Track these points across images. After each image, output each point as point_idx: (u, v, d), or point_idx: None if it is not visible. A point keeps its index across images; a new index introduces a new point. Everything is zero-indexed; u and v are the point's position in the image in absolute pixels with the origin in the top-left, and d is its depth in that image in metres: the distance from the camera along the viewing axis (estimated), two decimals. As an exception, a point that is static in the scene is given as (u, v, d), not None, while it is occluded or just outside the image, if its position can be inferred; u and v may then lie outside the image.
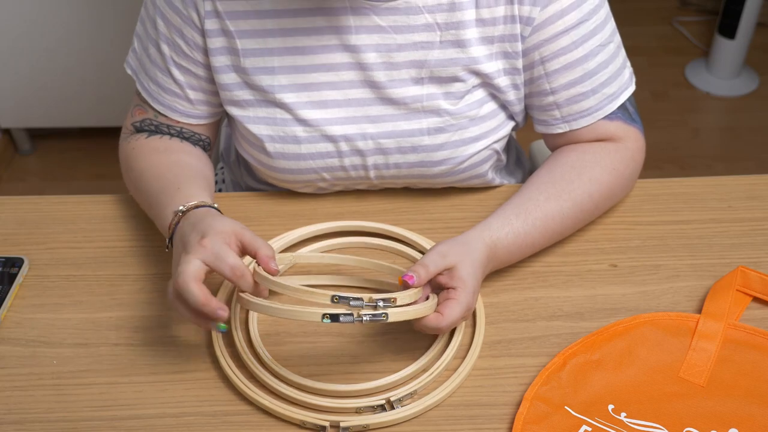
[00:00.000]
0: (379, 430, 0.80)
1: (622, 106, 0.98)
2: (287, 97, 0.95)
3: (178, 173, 0.94)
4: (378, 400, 0.81)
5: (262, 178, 1.06)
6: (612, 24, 0.96)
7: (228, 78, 0.96)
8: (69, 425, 0.81)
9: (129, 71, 1.02)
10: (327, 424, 0.79)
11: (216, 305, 0.76)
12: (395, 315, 0.76)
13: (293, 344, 0.88)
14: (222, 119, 1.08)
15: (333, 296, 0.74)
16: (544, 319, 0.90)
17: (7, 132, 2.42)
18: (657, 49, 2.80)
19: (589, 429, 0.77)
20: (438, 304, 0.81)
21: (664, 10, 2.97)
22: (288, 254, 0.92)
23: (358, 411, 0.80)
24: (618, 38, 0.97)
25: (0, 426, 0.81)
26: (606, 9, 0.95)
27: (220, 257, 0.77)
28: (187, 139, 1.02)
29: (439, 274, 0.83)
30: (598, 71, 0.95)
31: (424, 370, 0.84)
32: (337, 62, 0.94)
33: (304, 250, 0.97)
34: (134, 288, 0.95)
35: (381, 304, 0.75)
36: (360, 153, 0.98)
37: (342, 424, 0.79)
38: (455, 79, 0.95)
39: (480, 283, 0.85)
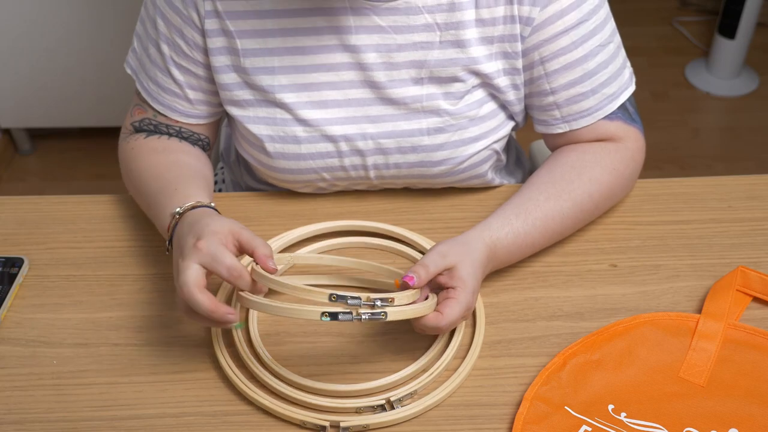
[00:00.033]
0: (379, 430, 0.80)
1: (622, 106, 0.98)
2: (287, 97, 0.95)
3: (176, 173, 0.94)
4: (378, 400, 0.81)
5: (262, 178, 1.06)
6: (612, 24, 0.96)
7: (228, 78, 0.96)
8: (69, 425, 0.81)
9: (129, 71, 1.03)
10: (327, 424, 0.79)
11: (224, 311, 0.76)
12: (394, 314, 0.76)
13: (293, 344, 0.88)
14: (221, 119, 1.08)
15: (331, 294, 0.75)
16: (544, 319, 0.90)
17: (7, 132, 2.42)
18: (657, 49, 2.80)
19: (589, 429, 0.77)
20: (438, 304, 0.81)
21: (664, 10, 2.98)
22: (286, 255, 0.92)
23: (358, 411, 0.80)
24: (618, 38, 0.97)
25: (0, 426, 0.81)
26: (606, 9, 0.95)
27: (217, 259, 0.77)
28: (186, 138, 1.02)
29: (439, 274, 0.83)
30: (598, 71, 0.95)
31: (424, 370, 0.84)
32: (337, 62, 0.94)
33: (304, 251, 0.97)
34: (134, 288, 0.95)
35: (379, 303, 0.75)
36: (360, 153, 0.98)
37: (342, 424, 0.79)
38: (455, 80, 0.95)
39: (480, 283, 0.85)
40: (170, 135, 1.01)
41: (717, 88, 2.61)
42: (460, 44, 0.93)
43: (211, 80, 0.98)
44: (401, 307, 0.77)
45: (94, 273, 0.97)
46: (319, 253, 0.98)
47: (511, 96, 0.97)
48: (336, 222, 1.00)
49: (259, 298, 0.77)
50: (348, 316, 0.73)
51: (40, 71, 2.20)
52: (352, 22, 0.92)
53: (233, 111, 0.98)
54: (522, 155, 1.22)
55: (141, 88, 1.01)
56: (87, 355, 0.87)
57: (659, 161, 2.33)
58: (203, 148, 1.04)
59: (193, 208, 0.87)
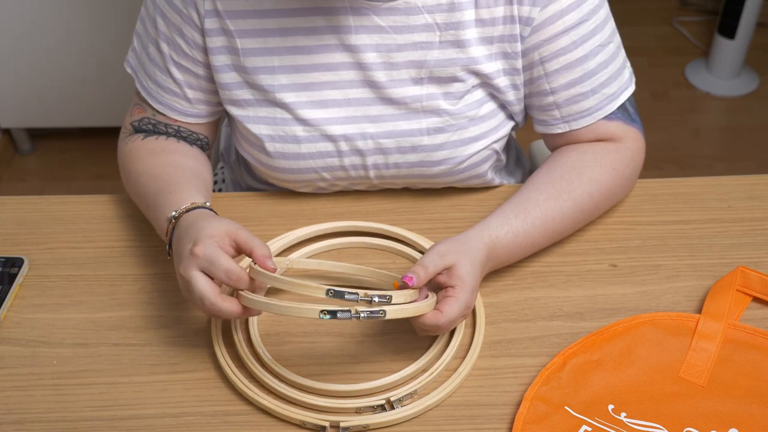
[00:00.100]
0: (379, 430, 0.80)
1: (622, 106, 0.98)
2: (287, 97, 0.95)
3: (172, 175, 0.94)
4: (378, 400, 0.81)
5: (262, 177, 1.06)
6: (612, 24, 0.96)
7: (228, 77, 0.96)
8: (69, 425, 0.81)
9: (129, 70, 1.03)
10: (327, 424, 0.79)
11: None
12: (393, 312, 0.76)
13: (293, 344, 0.88)
14: (221, 119, 1.08)
15: (328, 290, 0.75)
16: (544, 319, 0.90)
17: (7, 132, 2.42)
18: (657, 49, 2.80)
19: (589, 429, 0.77)
20: (437, 303, 0.81)
21: (664, 10, 2.97)
22: (283, 259, 0.92)
23: (358, 411, 0.80)
24: (618, 38, 0.97)
25: (0, 426, 0.81)
26: (606, 9, 0.95)
27: (214, 263, 0.77)
28: (184, 138, 1.02)
29: (439, 273, 0.83)
30: (597, 71, 0.95)
31: (424, 370, 0.84)
32: (336, 62, 0.94)
33: (303, 251, 0.97)
34: (134, 288, 0.95)
35: (376, 299, 0.75)
36: (360, 153, 0.98)
37: (342, 424, 0.79)
38: (455, 79, 0.95)
39: (479, 282, 0.85)
40: (168, 135, 1.01)
41: (717, 88, 2.61)
42: (459, 44, 0.93)
43: (211, 79, 0.98)
44: (400, 306, 0.77)
45: (94, 273, 0.97)
46: (319, 254, 0.98)
47: (510, 96, 0.97)
48: (336, 223, 1.00)
49: (257, 297, 0.77)
50: (346, 315, 0.73)
51: (40, 71, 2.20)
52: (351, 22, 0.92)
53: (233, 111, 0.98)
54: (522, 155, 1.22)
55: (140, 87, 1.01)
56: (87, 355, 0.87)
57: (659, 161, 2.33)
58: (202, 148, 1.04)
59: (189, 210, 0.87)
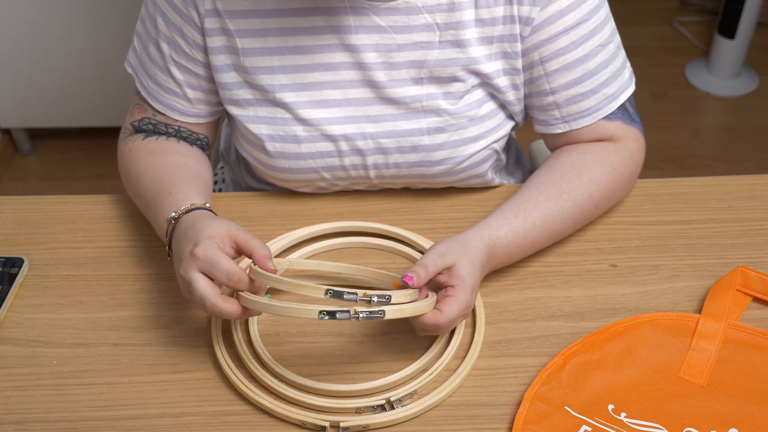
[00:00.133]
0: (379, 430, 0.80)
1: (622, 107, 0.98)
2: (287, 97, 0.95)
3: (172, 175, 0.94)
4: (378, 400, 0.81)
5: (262, 177, 1.06)
6: (612, 24, 0.96)
7: (228, 77, 0.96)
8: (69, 425, 0.81)
9: (129, 70, 1.03)
10: (327, 424, 0.79)
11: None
12: (392, 312, 0.76)
13: (293, 344, 0.88)
14: (221, 119, 1.08)
15: (327, 290, 0.75)
16: (544, 319, 0.90)
17: (7, 132, 2.42)
18: (657, 49, 2.80)
19: (589, 429, 0.77)
20: (437, 302, 0.81)
21: (664, 10, 2.97)
22: (283, 259, 0.92)
23: (358, 411, 0.80)
24: (618, 38, 0.97)
25: (0, 426, 0.81)
26: (606, 9, 0.95)
27: (215, 265, 0.77)
28: (184, 138, 1.02)
29: (439, 273, 0.83)
30: (597, 71, 0.95)
31: (424, 370, 0.84)
32: (337, 62, 0.94)
33: (303, 251, 0.97)
34: (134, 288, 0.95)
35: (375, 299, 0.75)
36: (360, 152, 0.98)
37: (342, 424, 0.79)
38: (454, 79, 0.95)
39: (479, 281, 0.85)
40: (169, 135, 1.01)
41: (717, 88, 2.61)
42: (459, 44, 0.93)
43: (211, 79, 0.98)
44: (400, 306, 0.77)
45: (94, 273, 0.97)
46: (319, 254, 0.98)
47: (510, 96, 0.97)
48: (336, 223, 1.00)
49: (258, 298, 0.77)
50: (345, 315, 0.73)
51: (40, 71, 2.20)
52: (351, 22, 0.92)
53: (233, 110, 0.98)
54: (522, 155, 1.22)
55: (141, 87, 1.01)
56: (87, 355, 0.87)
57: (659, 161, 2.33)
58: (202, 148, 1.04)
59: (188, 211, 0.87)
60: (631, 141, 0.98)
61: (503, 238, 0.89)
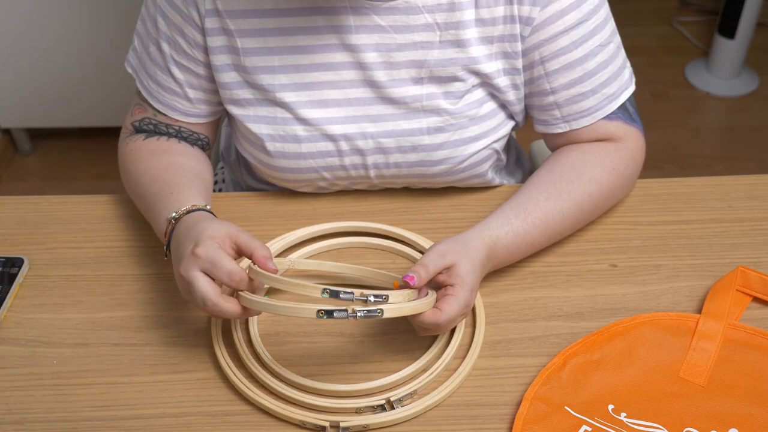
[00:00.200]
0: (379, 430, 0.80)
1: (622, 106, 0.98)
2: (287, 96, 0.95)
3: (173, 176, 0.94)
4: (378, 400, 0.81)
5: (263, 177, 1.06)
6: (612, 24, 0.96)
7: (228, 77, 0.96)
8: (69, 425, 0.81)
9: (129, 70, 1.03)
10: (327, 424, 0.79)
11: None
12: (391, 311, 0.76)
13: (293, 344, 0.88)
14: (221, 118, 1.08)
15: (324, 289, 0.75)
16: (544, 319, 0.90)
17: (7, 132, 2.42)
18: (657, 49, 2.80)
19: (589, 429, 0.77)
20: (436, 302, 0.81)
21: (664, 10, 2.98)
22: (284, 259, 0.92)
23: (358, 411, 0.80)
24: (618, 38, 0.97)
25: (0, 426, 0.81)
26: (606, 9, 0.95)
27: (216, 264, 0.77)
28: (185, 138, 1.02)
29: (438, 273, 0.83)
30: (597, 71, 0.95)
31: (424, 370, 0.84)
32: (337, 61, 0.94)
33: (304, 251, 0.97)
34: (134, 288, 0.95)
35: (372, 299, 0.75)
36: (360, 152, 0.98)
37: (342, 424, 0.79)
38: (455, 79, 0.95)
39: (479, 281, 0.85)
40: (170, 135, 1.01)
41: (717, 88, 2.61)
42: (459, 44, 0.93)
43: (211, 79, 0.98)
44: (398, 304, 0.77)
45: (94, 273, 0.97)
46: (319, 254, 0.98)
47: (511, 96, 0.97)
48: (336, 223, 1.00)
49: (257, 297, 0.77)
50: (343, 314, 0.73)
51: (40, 71, 2.20)
52: (352, 22, 0.92)
53: (233, 110, 0.98)
54: (522, 155, 1.22)
55: (141, 87, 1.01)
56: (87, 355, 0.87)
57: (659, 161, 2.33)
58: (203, 148, 1.04)
59: (189, 212, 0.87)
60: (632, 141, 0.98)
61: (503, 238, 0.89)
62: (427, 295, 0.82)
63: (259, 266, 0.79)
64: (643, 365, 0.83)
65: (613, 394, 0.80)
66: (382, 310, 0.75)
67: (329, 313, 0.73)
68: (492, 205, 0.98)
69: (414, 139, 0.97)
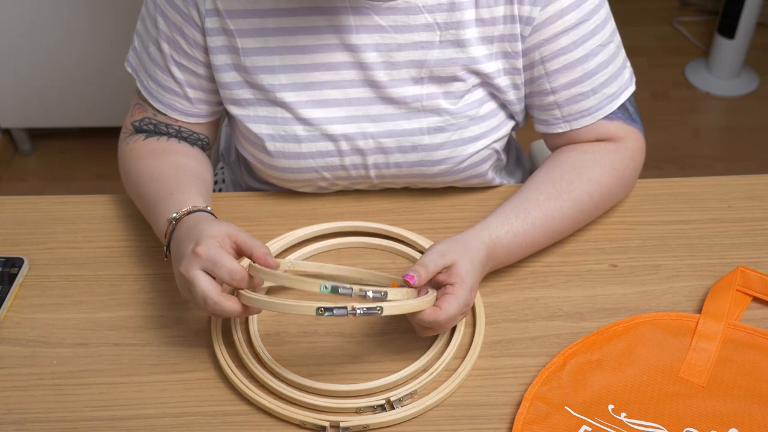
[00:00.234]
0: (379, 430, 0.80)
1: (622, 106, 0.98)
2: (288, 96, 0.95)
3: (173, 177, 0.94)
4: (378, 400, 0.81)
5: (263, 177, 1.06)
6: (612, 24, 0.96)
7: (228, 77, 0.96)
8: (69, 425, 0.81)
9: (129, 69, 1.03)
10: (327, 424, 0.79)
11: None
12: (390, 309, 0.76)
13: (293, 344, 0.88)
14: (221, 118, 1.08)
15: (322, 284, 0.75)
16: (544, 319, 0.90)
17: (7, 132, 2.42)
18: (657, 49, 2.80)
19: (589, 429, 0.77)
20: (435, 300, 0.81)
21: (664, 10, 2.97)
22: (284, 261, 0.92)
23: (358, 411, 0.80)
24: (618, 38, 0.97)
25: (0, 426, 0.81)
26: (606, 9, 0.95)
27: (217, 263, 0.77)
28: (185, 138, 1.02)
29: (438, 273, 0.83)
30: (598, 71, 0.95)
31: (424, 370, 0.84)
32: (337, 61, 0.94)
33: (304, 251, 0.97)
34: (134, 288, 0.95)
35: (370, 294, 0.75)
36: (360, 152, 0.98)
37: (342, 424, 0.79)
38: (455, 79, 0.95)
39: (478, 280, 0.85)
40: (170, 135, 1.01)
41: (717, 88, 2.61)
42: (460, 44, 0.93)
43: (212, 79, 0.98)
44: (398, 302, 0.77)
45: (94, 273, 0.97)
46: (319, 254, 0.98)
47: (511, 96, 0.97)
48: (336, 223, 1.00)
49: (257, 295, 0.77)
50: (343, 311, 0.73)
51: (40, 71, 2.20)
52: (352, 22, 0.92)
53: (234, 110, 0.98)
54: (522, 155, 1.22)
55: (141, 87, 1.01)
56: (87, 355, 0.87)
57: (659, 161, 2.33)
58: (202, 148, 1.04)
59: (190, 213, 0.87)
60: (632, 141, 0.98)
61: (503, 237, 0.89)
62: (427, 293, 0.82)
63: (259, 263, 0.79)
64: (643, 365, 0.83)
65: (613, 394, 0.80)
66: (381, 307, 0.75)
67: (329, 311, 0.73)
68: (492, 205, 0.98)
69: (414, 139, 0.97)
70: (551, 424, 0.78)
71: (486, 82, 0.96)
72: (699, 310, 0.89)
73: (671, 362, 0.83)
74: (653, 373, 0.82)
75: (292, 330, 0.89)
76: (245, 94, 0.96)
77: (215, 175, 1.25)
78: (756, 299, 0.90)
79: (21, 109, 2.30)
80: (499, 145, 1.02)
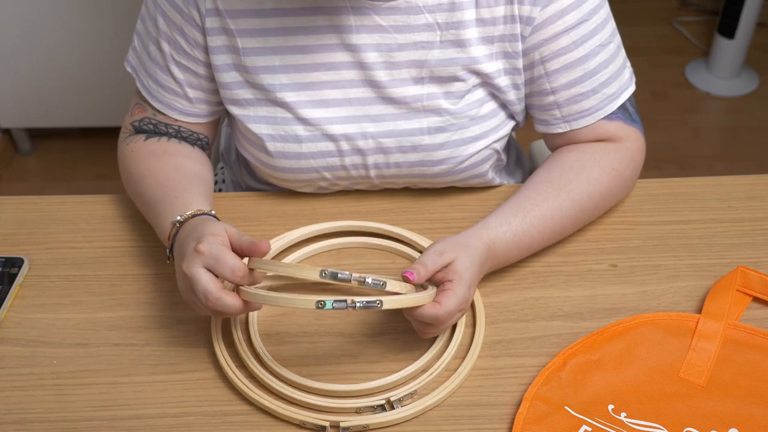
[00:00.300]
0: (379, 430, 0.80)
1: (622, 106, 0.98)
2: (288, 96, 0.95)
3: (176, 180, 0.94)
4: (378, 400, 0.81)
5: (263, 177, 1.06)
6: (612, 24, 0.96)
7: (229, 77, 0.96)
8: (69, 425, 0.81)
9: (129, 69, 1.03)
10: (327, 424, 0.79)
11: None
12: (390, 302, 0.75)
13: (293, 344, 0.88)
14: (221, 118, 1.08)
15: (322, 271, 0.75)
16: (544, 319, 0.90)
17: (7, 132, 2.42)
18: (657, 49, 2.80)
19: (589, 429, 0.77)
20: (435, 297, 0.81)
21: (664, 10, 2.98)
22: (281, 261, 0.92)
23: (358, 411, 0.80)
24: (618, 38, 0.97)
25: (0, 426, 0.81)
26: (606, 9, 0.95)
27: (219, 260, 0.77)
28: (185, 138, 1.02)
29: (437, 271, 0.83)
30: (598, 71, 0.95)
31: (424, 370, 0.84)
32: (337, 61, 0.94)
33: (304, 251, 0.97)
34: (134, 288, 0.95)
35: (369, 281, 0.75)
36: (360, 152, 0.98)
37: (342, 424, 0.79)
38: (455, 79, 0.95)
39: (477, 278, 0.85)
40: (170, 136, 1.01)
41: (717, 88, 2.61)
42: (460, 44, 0.93)
43: (211, 79, 0.98)
44: (398, 297, 0.77)
45: (94, 273, 0.97)
46: (319, 254, 0.98)
47: (511, 95, 0.97)
48: (336, 223, 1.00)
49: (257, 291, 0.77)
50: (342, 304, 0.73)
51: (40, 71, 2.20)
52: (352, 22, 0.92)
53: (234, 110, 0.98)
54: (522, 155, 1.22)
55: (141, 87, 1.01)
56: (87, 355, 0.87)
57: (659, 161, 2.33)
58: (202, 148, 1.04)
59: (194, 216, 0.87)
60: (632, 141, 0.98)
61: (502, 237, 0.89)
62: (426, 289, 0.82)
63: (254, 249, 0.79)
64: (643, 365, 0.83)
65: (613, 394, 0.80)
66: (381, 301, 0.75)
67: (328, 303, 0.73)
68: (492, 205, 0.98)
69: (414, 139, 0.97)
70: (551, 424, 0.78)
71: (486, 82, 0.96)
72: (699, 310, 0.89)
73: (671, 362, 0.83)
74: (653, 373, 0.82)
75: (292, 330, 0.89)
76: (245, 94, 0.96)
77: (215, 175, 1.25)
78: (756, 299, 0.90)
79: (21, 109, 2.30)
80: (499, 145, 1.02)
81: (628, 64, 1.00)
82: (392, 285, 0.77)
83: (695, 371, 0.82)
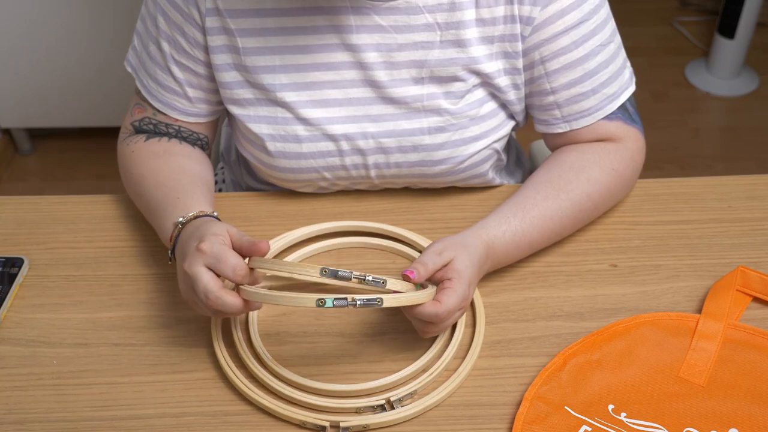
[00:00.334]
0: (379, 430, 0.80)
1: (622, 107, 0.98)
2: (288, 96, 0.95)
3: (177, 181, 0.94)
4: (378, 400, 0.81)
5: (263, 177, 1.06)
6: (612, 24, 0.96)
7: (229, 76, 0.96)
8: (69, 425, 0.81)
9: (129, 69, 1.03)
10: (327, 424, 0.79)
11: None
12: (390, 300, 0.75)
13: (293, 344, 0.88)
14: (221, 118, 1.08)
15: (322, 269, 0.75)
16: (544, 319, 0.90)
17: (7, 132, 2.42)
18: (657, 49, 2.80)
19: (589, 429, 0.77)
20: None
21: (664, 11, 2.98)
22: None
23: (358, 411, 0.80)
24: (618, 38, 0.98)
25: (0, 426, 0.81)
26: (606, 9, 0.95)
27: (221, 259, 0.77)
28: (185, 138, 1.02)
29: (437, 270, 0.83)
30: (598, 71, 0.95)
31: (424, 370, 0.84)
32: (337, 61, 0.94)
33: (304, 251, 0.97)
34: (134, 288, 0.95)
35: (370, 278, 0.75)
36: (361, 152, 0.98)
37: (342, 424, 0.79)
38: (455, 79, 0.95)
39: (477, 277, 0.85)
40: (170, 136, 1.01)
41: (717, 88, 2.61)
42: (460, 44, 0.93)
43: (212, 78, 0.98)
44: (398, 295, 0.77)
45: (94, 273, 0.97)
46: (319, 254, 0.98)
47: (511, 95, 0.97)
48: (336, 222, 1.00)
49: (258, 289, 0.77)
50: (343, 302, 0.73)
51: (40, 71, 2.20)
52: (353, 21, 0.92)
53: (234, 110, 0.98)
54: (522, 155, 1.22)
55: (141, 86, 1.01)
56: (87, 355, 0.87)
57: (659, 161, 2.33)
58: (202, 148, 1.04)
59: (197, 217, 0.87)
60: (632, 141, 0.98)
61: (501, 237, 0.89)
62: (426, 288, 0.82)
63: (252, 250, 0.79)
64: (643, 365, 0.83)
65: (613, 394, 0.80)
66: (381, 299, 0.75)
67: (329, 301, 0.73)
68: (492, 205, 0.98)
69: (415, 138, 0.97)
70: (551, 424, 0.78)
71: (486, 82, 0.96)
72: (699, 310, 0.89)
73: (671, 362, 0.83)
74: (653, 373, 0.82)
75: (292, 330, 0.89)
76: (245, 93, 0.96)
77: (215, 175, 1.25)
78: (756, 299, 0.90)
79: (21, 109, 2.30)
80: (499, 145, 1.02)
81: (628, 64, 1.00)
82: (392, 283, 0.77)
83: (695, 371, 0.82)
